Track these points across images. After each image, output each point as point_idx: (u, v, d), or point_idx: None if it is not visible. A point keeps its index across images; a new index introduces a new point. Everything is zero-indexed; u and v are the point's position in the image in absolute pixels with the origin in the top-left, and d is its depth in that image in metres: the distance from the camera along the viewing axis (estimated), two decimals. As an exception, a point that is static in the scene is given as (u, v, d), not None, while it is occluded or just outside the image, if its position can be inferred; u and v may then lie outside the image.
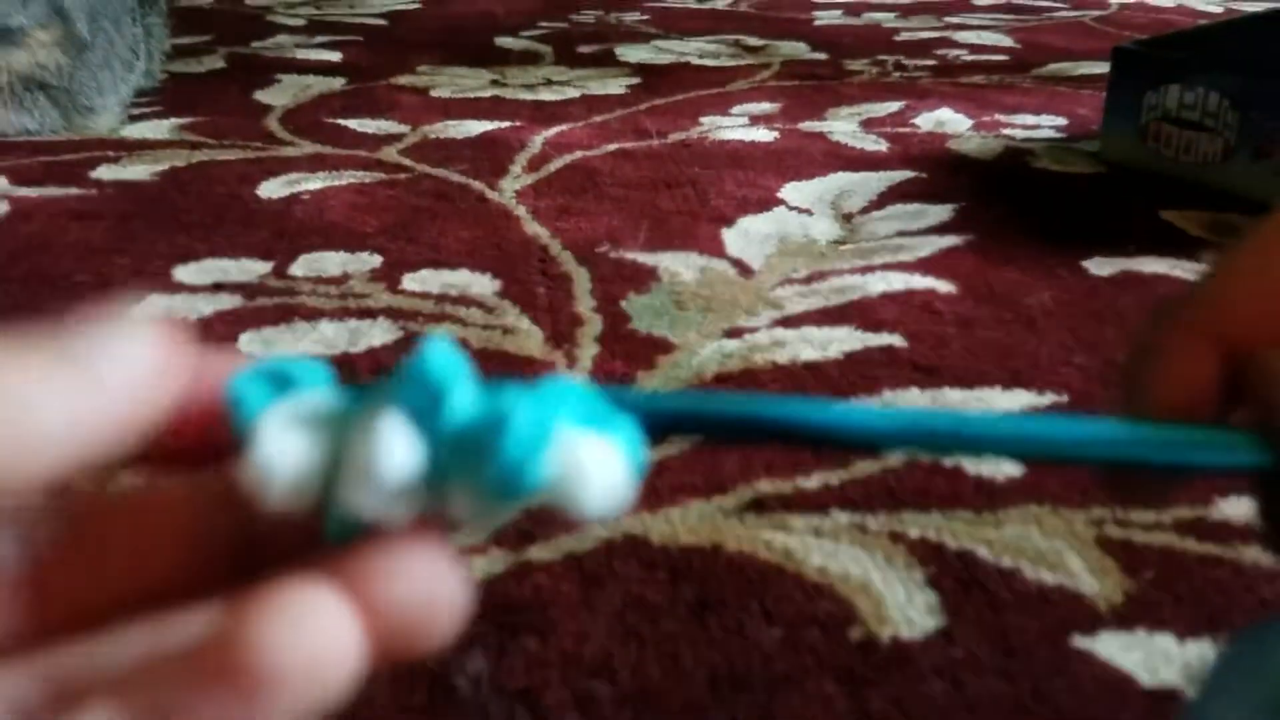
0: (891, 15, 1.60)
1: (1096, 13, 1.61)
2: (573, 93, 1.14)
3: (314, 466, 0.17)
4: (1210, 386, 0.20)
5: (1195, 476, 0.19)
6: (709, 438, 0.19)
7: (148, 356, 0.16)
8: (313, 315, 0.63)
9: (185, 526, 0.18)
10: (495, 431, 0.16)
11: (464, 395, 0.17)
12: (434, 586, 0.17)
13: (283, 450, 0.16)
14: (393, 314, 0.63)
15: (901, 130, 1.00)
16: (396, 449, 0.16)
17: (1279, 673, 0.18)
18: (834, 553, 0.44)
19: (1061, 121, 1.04)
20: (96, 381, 0.16)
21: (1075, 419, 0.18)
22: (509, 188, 0.84)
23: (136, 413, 0.16)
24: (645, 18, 1.58)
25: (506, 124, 1.01)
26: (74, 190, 0.84)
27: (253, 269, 0.70)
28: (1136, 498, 0.21)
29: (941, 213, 0.80)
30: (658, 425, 0.18)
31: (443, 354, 0.17)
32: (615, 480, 0.17)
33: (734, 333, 0.61)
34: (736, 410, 0.19)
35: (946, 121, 1.03)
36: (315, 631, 0.16)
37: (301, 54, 1.32)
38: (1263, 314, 0.20)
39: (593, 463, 0.17)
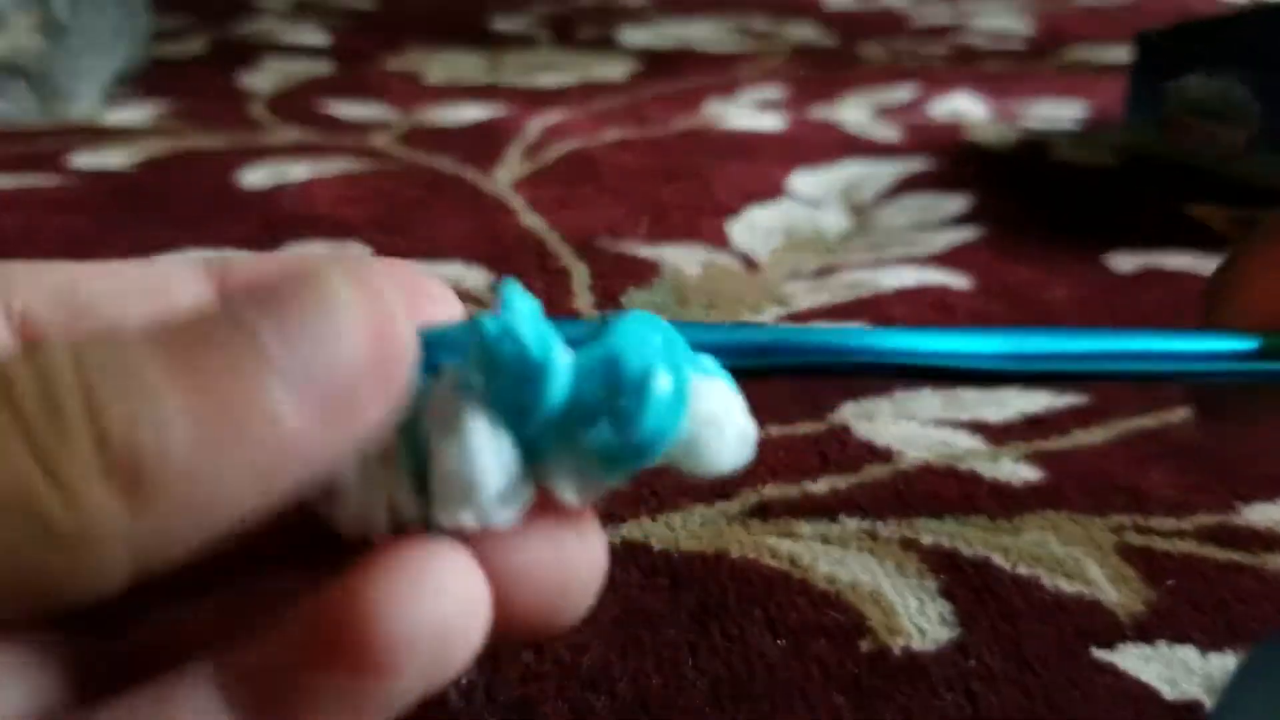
0: (904, -1, 1.60)
1: (1117, -3, 1.61)
2: (571, 78, 1.14)
3: (394, 482, 0.15)
4: None
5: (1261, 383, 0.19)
6: (791, 375, 0.17)
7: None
8: (300, 310, 0.63)
9: None
10: (624, 397, 0.14)
11: (560, 367, 0.15)
12: (570, 555, 0.16)
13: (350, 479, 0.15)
14: (383, 309, 0.63)
15: (915, 119, 1.00)
16: (493, 464, 0.15)
17: None
18: (843, 560, 0.44)
19: (1081, 112, 1.04)
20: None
21: (1151, 333, 0.18)
22: (504, 177, 0.84)
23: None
24: (646, 0, 1.58)
25: (502, 111, 1.01)
26: (53, 178, 0.84)
27: (237, 261, 0.70)
28: (1228, 419, 0.21)
29: (956, 205, 0.80)
30: (742, 363, 0.17)
31: (527, 318, 0.15)
32: (746, 430, 0.16)
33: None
34: (822, 341, 0.17)
35: (962, 110, 1.03)
36: (446, 597, 0.14)
37: (288, 37, 1.32)
38: None
39: (725, 414, 0.15)
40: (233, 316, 0.13)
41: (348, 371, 0.13)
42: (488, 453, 0.14)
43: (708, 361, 0.16)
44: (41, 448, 0.12)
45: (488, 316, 0.15)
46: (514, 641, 0.15)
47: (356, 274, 0.14)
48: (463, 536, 0.15)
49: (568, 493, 0.15)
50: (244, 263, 0.18)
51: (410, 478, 0.15)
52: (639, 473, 0.15)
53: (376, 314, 0.14)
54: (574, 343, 0.15)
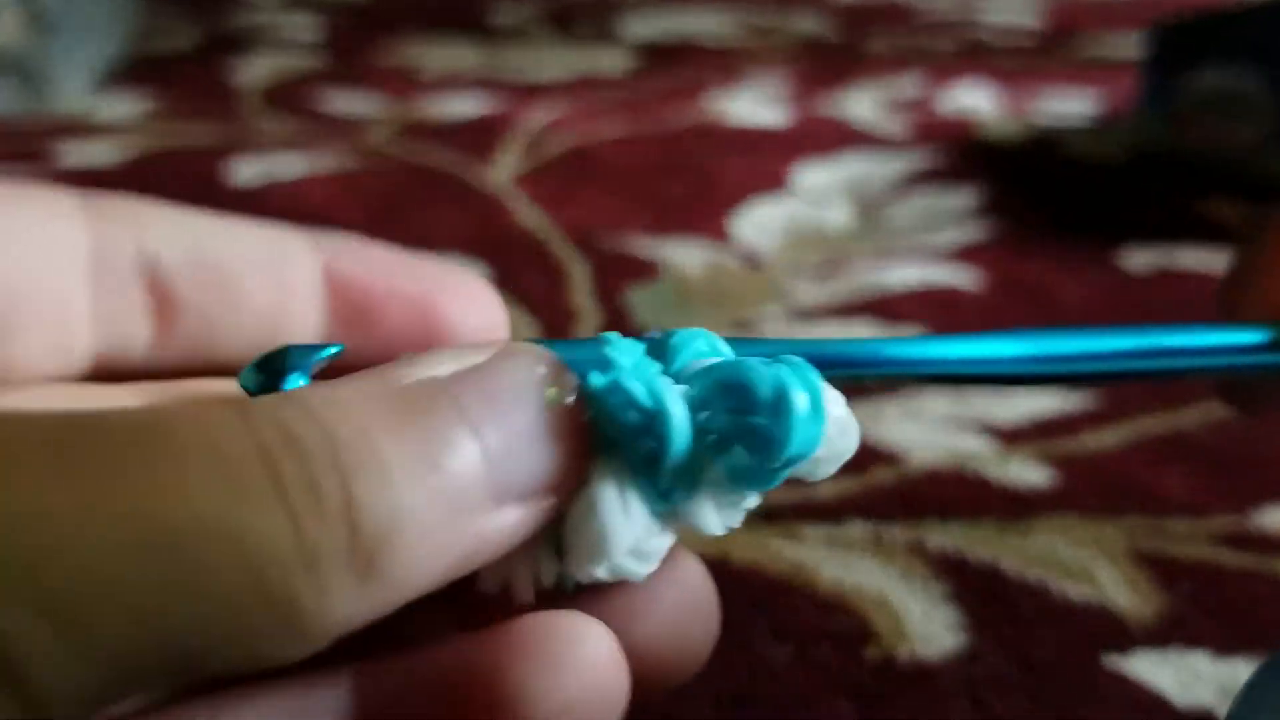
0: (911, -9, 1.60)
1: (1129, -11, 1.61)
2: (570, 72, 1.14)
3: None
4: None
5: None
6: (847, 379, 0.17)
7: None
8: (293, 308, 0.63)
9: None
10: (762, 418, 0.14)
11: (677, 413, 0.15)
12: (689, 610, 0.16)
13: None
14: (378, 307, 0.63)
15: (922, 114, 1.00)
16: (621, 522, 0.15)
17: None
18: (848, 564, 0.44)
19: (1091, 106, 1.04)
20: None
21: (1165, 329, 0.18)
22: (502, 172, 0.84)
23: None
24: (648, -8, 1.58)
25: (500, 105, 1.01)
26: (38, 173, 0.84)
27: (229, 258, 0.70)
28: (1259, 409, 0.21)
29: (964, 201, 0.80)
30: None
31: (632, 371, 0.15)
32: (857, 427, 0.16)
33: (742, 327, 0.61)
34: (845, 352, 0.17)
35: (970, 105, 1.03)
36: (587, 670, 0.14)
37: (280, 30, 1.32)
38: None
39: (848, 418, 0.16)
40: (456, 405, 0.13)
41: (548, 468, 0.14)
42: (616, 510, 0.15)
43: (800, 365, 0.16)
44: (304, 541, 0.12)
45: (594, 374, 0.15)
46: (641, 698, 0.15)
47: (547, 357, 0.14)
48: (596, 597, 0.15)
49: (711, 525, 0.15)
50: (353, 254, 0.18)
51: (551, 539, 0.15)
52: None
53: (570, 412, 0.14)
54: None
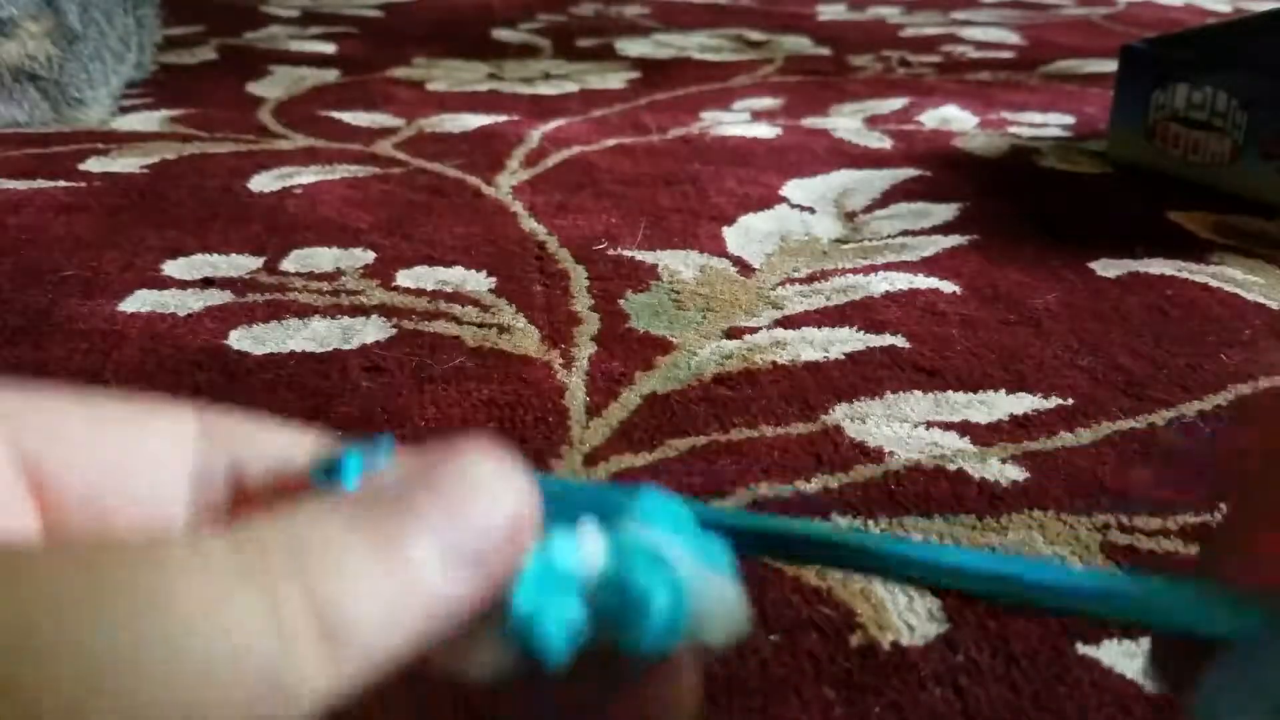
0: (896, 10, 1.60)
1: (1104, 10, 1.61)
2: (571, 87, 1.14)
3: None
4: None
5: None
6: (789, 559, 0.20)
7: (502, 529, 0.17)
8: (304, 312, 0.63)
9: None
10: (630, 613, 0.17)
11: (560, 643, 0.17)
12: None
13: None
14: (386, 311, 0.63)
15: (906, 127, 1.00)
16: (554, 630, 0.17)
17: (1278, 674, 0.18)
18: (834, 557, 0.44)
19: (1068, 120, 1.04)
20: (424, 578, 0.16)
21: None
22: (505, 183, 0.85)
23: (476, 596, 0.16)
24: (645, 11, 1.58)
25: (503, 118, 1.01)
26: (63, 183, 0.84)
27: (244, 264, 0.70)
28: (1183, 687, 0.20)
29: (946, 212, 0.80)
30: (742, 543, 0.19)
31: (545, 616, 0.17)
32: (738, 615, 0.18)
33: (734, 333, 0.61)
34: (822, 537, 0.19)
35: (951, 119, 1.03)
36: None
37: (295, 46, 1.32)
38: None
39: (719, 609, 0.18)
40: (412, 508, 0.16)
41: (493, 546, 0.16)
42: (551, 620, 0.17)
43: (711, 543, 0.18)
44: (280, 624, 0.14)
45: (518, 597, 0.17)
46: None
47: (500, 465, 0.17)
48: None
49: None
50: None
51: (495, 629, 0.17)
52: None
53: (518, 499, 0.17)
54: (602, 511, 0.18)
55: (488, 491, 0.17)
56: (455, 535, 0.16)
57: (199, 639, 0.14)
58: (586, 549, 0.17)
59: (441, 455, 0.17)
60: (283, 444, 0.20)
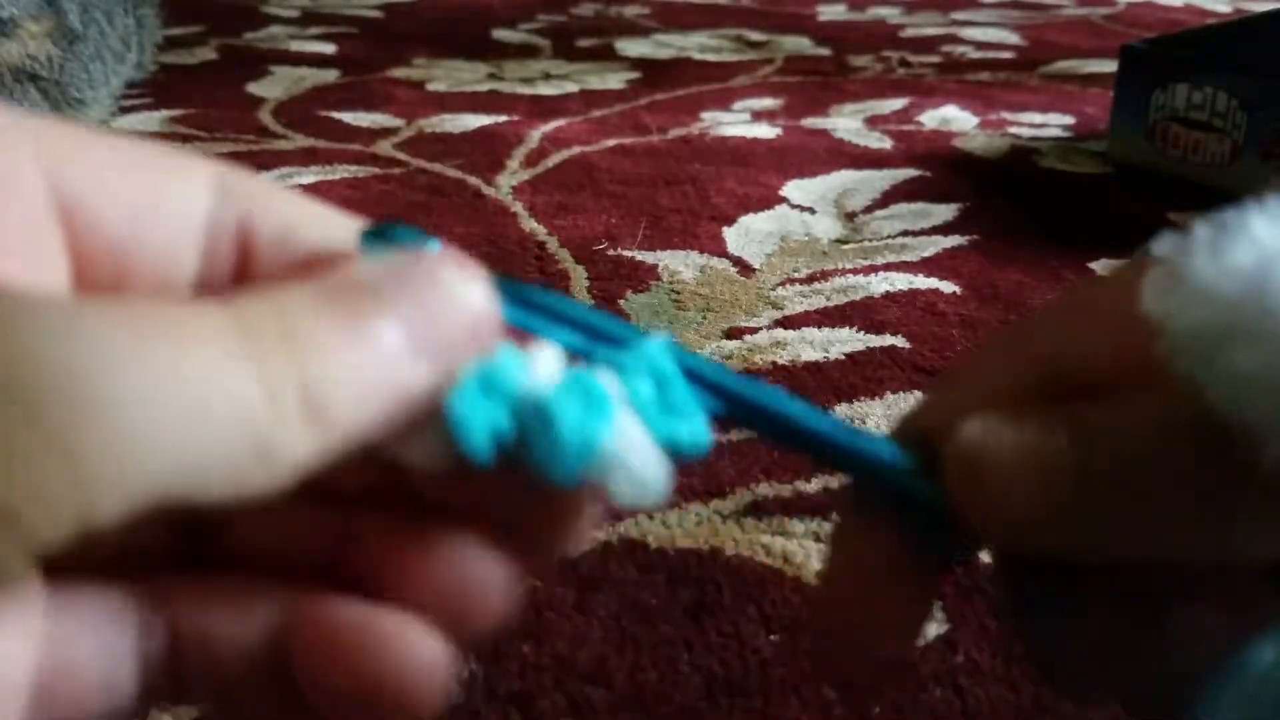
0: (896, 11, 1.60)
1: (1104, 11, 1.61)
2: (571, 87, 1.14)
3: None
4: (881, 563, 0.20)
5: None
6: (762, 433, 0.19)
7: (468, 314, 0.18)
8: (305, 312, 0.63)
9: None
10: (544, 437, 0.17)
11: (486, 438, 0.17)
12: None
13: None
14: (387, 311, 0.63)
15: (906, 128, 1.00)
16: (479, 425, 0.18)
17: (1262, 670, 0.18)
18: (834, 557, 0.44)
19: (1068, 120, 1.04)
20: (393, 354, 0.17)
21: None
22: (505, 183, 0.84)
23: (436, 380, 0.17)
24: (645, 11, 1.58)
25: (503, 118, 1.01)
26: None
27: (244, 264, 0.70)
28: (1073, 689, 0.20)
29: (946, 212, 0.80)
30: (731, 408, 0.19)
31: (483, 407, 0.18)
32: (649, 480, 0.18)
33: (734, 333, 0.61)
34: (801, 417, 0.19)
35: (952, 119, 1.03)
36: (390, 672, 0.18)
37: (295, 46, 1.31)
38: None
39: (636, 469, 0.18)
40: (386, 297, 0.17)
41: (456, 342, 0.17)
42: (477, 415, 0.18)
43: (690, 406, 0.19)
44: (270, 391, 0.15)
45: (458, 393, 0.18)
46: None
47: (466, 271, 0.18)
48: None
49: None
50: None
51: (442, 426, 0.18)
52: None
53: (482, 302, 0.18)
54: (601, 341, 0.19)
55: (454, 291, 0.18)
56: (424, 327, 0.17)
57: (198, 406, 0.14)
58: (536, 368, 0.18)
59: (414, 258, 0.18)
60: (298, 214, 0.22)
